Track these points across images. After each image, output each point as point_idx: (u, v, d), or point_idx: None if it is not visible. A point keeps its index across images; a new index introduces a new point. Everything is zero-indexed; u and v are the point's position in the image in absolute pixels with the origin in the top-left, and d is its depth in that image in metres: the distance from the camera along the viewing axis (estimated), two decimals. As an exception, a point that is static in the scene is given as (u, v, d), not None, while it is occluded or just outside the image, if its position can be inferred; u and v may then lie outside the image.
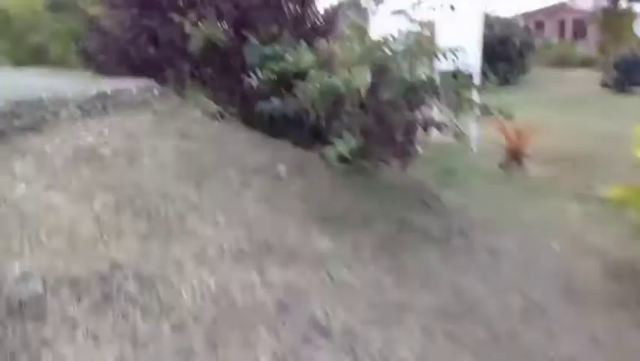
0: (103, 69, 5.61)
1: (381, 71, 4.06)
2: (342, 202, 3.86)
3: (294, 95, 4.36)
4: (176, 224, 3.01)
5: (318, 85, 3.86)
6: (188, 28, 4.68)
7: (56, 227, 2.61)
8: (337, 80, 3.85)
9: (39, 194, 2.84)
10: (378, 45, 4.10)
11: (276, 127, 5.09)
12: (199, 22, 4.80)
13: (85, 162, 3.31)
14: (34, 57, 8.75)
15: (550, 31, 30.70)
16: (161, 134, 3.94)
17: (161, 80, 5.05)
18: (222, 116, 4.77)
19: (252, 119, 5.36)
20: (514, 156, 8.02)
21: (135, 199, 3.09)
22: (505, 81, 18.22)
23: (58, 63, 8.24)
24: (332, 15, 5.67)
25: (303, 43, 4.54)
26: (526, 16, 28.71)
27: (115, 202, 2.99)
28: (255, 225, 3.23)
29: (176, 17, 4.68)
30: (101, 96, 4.03)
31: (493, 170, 7.73)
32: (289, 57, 4.33)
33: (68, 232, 2.60)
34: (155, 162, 3.56)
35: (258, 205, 3.46)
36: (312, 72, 3.97)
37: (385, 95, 4.07)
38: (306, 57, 4.23)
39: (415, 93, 4.04)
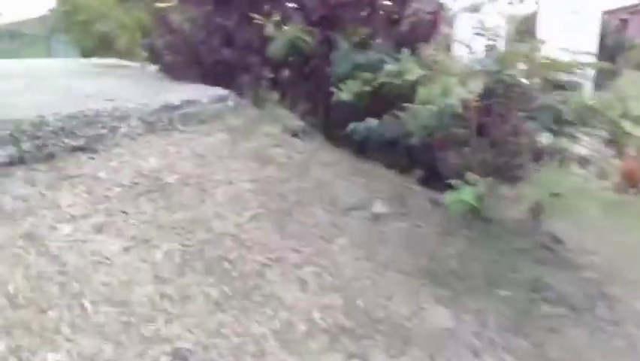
0: (170, 70, 5.16)
1: (509, 90, 3.34)
2: (457, 254, 3.17)
3: (395, 115, 3.71)
4: (255, 284, 2.43)
5: (434, 108, 3.17)
6: (270, 29, 4.10)
7: (106, 291, 2.08)
8: (455, 101, 3.16)
9: (87, 239, 2.32)
10: (514, 55, 3.35)
11: (365, 147, 4.45)
12: (281, 23, 4.22)
13: (146, 193, 2.78)
14: (101, 47, 8.94)
15: (635, 30, 28.56)
16: (235, 157, 3.39)
17: (235, 87, 4.51)
18: (305, 133, 4.17)
19: (336, 135, 4.76)
20: (632, 179, 7.04)
21: (205, 247, 2.53)
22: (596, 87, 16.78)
23: (124, 54, 8.36)
24: (434, 14, 4.95)
25: (406, 51, 3.87)
26: (607, 14, 26.82)
27: (181, 252, 2.45)
28: (352, 287, 2.60)
29: (258, 17, 4.12)
30: (168, 108, 3.52)
31: (606, 195, 6.76)
32: (390, 67, 3.66)
33: (121, 299, 2.06)
34: (229, 195, 3.00)
35: (355, 258, 2.83)
36: (423, 90, 3.28)
37: (526, 124, 3.33)
38: (412, 68, 3.55)
39: (569, 124, 3.26)
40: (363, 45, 4.58)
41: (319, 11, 4.43)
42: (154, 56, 5.42)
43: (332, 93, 4.31)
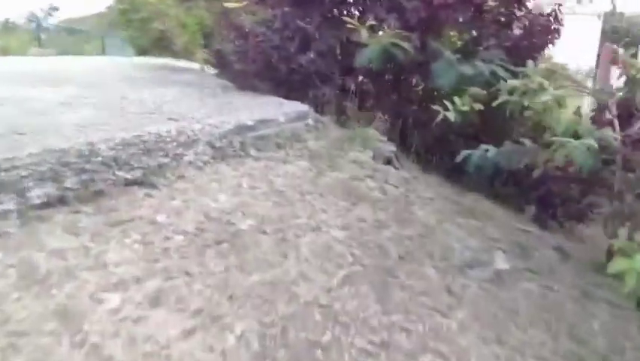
0: (237, 78, 4.65)
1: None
2: (603, 330, 2.46)
3: (518, 142, 3.05)
4: (358, 383, 1.82)
5: (591, 141, 2.48)
6: (364, 35, 3.49)
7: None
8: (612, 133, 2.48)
9: (139, 317, 1.78)
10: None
11: (459, 172, 3.79)
12: (374, 27, 3.62)
13: (214, 244, 2.24)
14: (158, 46, 8.83)
15: None
16: (321, 193, 2.80)
17: (312, 100, 3.95)
18: (398, 159, 3.54)
19: (424, 157, 4.14)
20: None
21: (289, 326, 1.95)
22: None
23: (182, 55, 8.17)
24: (551, 15, 4.20)
25: (530, 63, 3.19)
26: None
27: (259, 334, 1.87)
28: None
29: (350, 21, 3.52)
30: (240, 129, 2.98)
31: None
32: (515, 83, 2.99)
33: (181, 420, 1.49)
34: (316, 246, 2.41)
35: (481, 340, 2.18)
36: (567, 117, 2.60)
37: None
38: (544, 85, 2.86)
39: None
40: (466, 53, 3.93)
41: (419, 13, 3.77)
42: (222, 62, 4.92)
43: (424, 109, 3.72)
